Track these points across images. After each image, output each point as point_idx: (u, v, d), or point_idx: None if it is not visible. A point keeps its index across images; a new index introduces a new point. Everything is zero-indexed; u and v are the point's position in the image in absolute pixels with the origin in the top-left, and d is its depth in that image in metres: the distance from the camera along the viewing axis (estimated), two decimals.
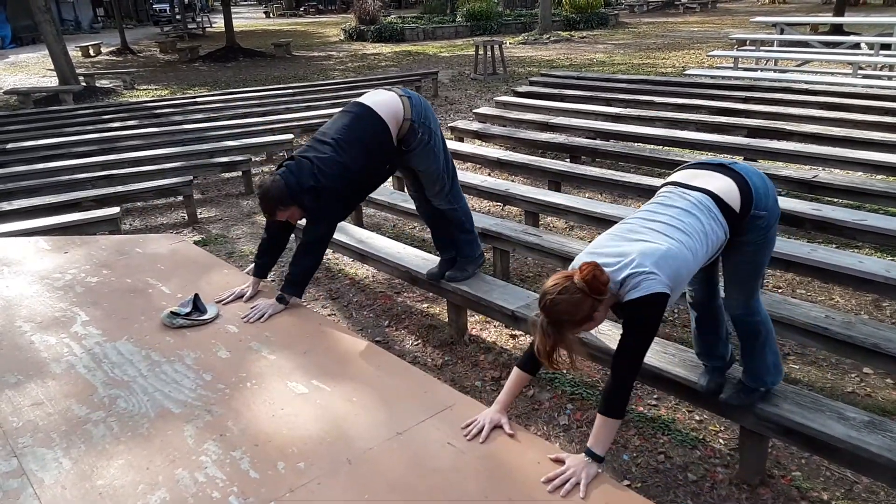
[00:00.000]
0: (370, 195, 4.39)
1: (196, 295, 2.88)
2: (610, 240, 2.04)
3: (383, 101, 3.02)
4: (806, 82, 8.59)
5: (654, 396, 3.14)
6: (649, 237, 1.97)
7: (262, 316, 2.82)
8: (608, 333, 2.79)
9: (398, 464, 1.94)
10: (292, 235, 3.38)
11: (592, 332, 2.79)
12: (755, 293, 2.29)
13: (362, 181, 3.02)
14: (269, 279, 3.46)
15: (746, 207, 2.07)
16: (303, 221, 3.04)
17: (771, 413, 2.34)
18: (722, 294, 2.37)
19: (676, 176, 2.23)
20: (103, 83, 14.07)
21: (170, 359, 2.53)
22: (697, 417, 3.00)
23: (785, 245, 3.68)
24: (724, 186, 2.09)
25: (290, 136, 7.43)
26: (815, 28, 15.10)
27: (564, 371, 1.94)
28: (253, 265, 3.10)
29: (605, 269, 1.89)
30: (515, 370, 2.16)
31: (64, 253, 3.62)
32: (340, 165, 2.87)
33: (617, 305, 1.97)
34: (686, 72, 10.72)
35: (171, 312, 2.80)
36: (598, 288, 1.84)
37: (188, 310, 2.81)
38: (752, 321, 2.33)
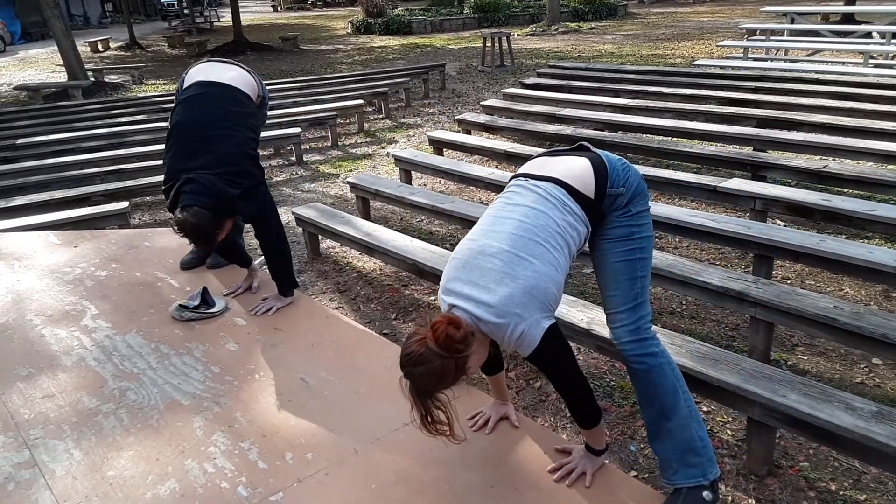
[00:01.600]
0: (378, 189, 4.40)
1: (204, 288, 2.90)
2: (465, 272, 1.77)
3: (238, 77, 2.93)
4: (816, 72, 8.52)
5: None
6: (501, 266, 1.72)
7: (271, 309, 2.84)
8: None
9: (405, 454, 1.95)
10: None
11: (594, 327, 2.79)
12: (642, 310, 1.93)
13: (257, 148, 2.93)
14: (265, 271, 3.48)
15: (602, 189, 1.84)
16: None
17: (779, 404, 2.34)
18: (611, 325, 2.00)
19: (528, 166, 1.99)
20: (112, 78, 14.12)
21: (179, 351, 2.55)
22: (705, 408, 3.00)
23: (794, 235, 3.66)
24: (576, 169, 1.87)
25: (298, 129, 7.44)
26: (825, 17, 14.95)
27: (448, 437, 1.73)
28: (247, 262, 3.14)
29: (470, 315, 1.70)
30: (487, 377, 2.16)
31: (74, 247, 3.65)
32: (238, 154, 2.71)
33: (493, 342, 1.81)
34: (695, 62, 10.64)
35: (180, 305, 2.83)
36: (456, 348, 1.63)
37: (197, 303, 2.83)
38: (649, 359, 1.91)
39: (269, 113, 8.30)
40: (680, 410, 1.91)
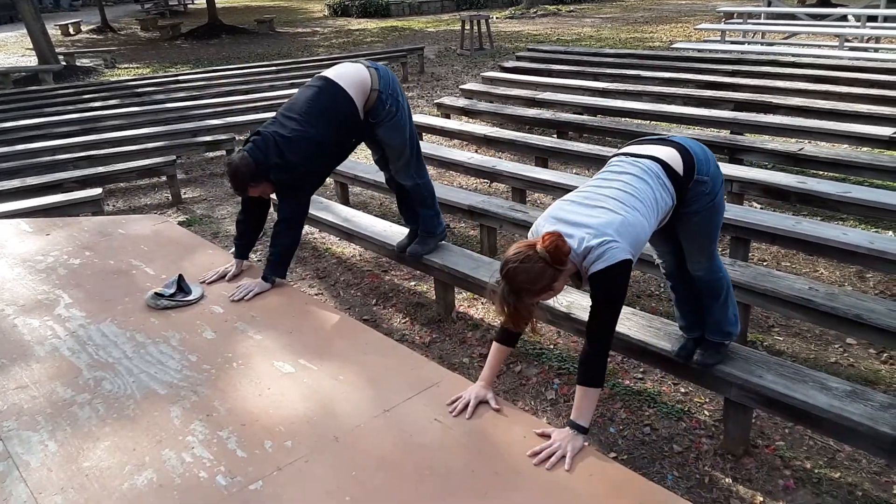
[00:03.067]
0: (357, 174, 4.36)
1: (180, 276, 2.86)
2: (570, 206, 2.04)
3: (348, 73, 2.99)
4: (792, 55, 8.57)
5: (640, 370, 3.17)
6: (608, 205, 1.99)
7: (248, 294, 2.81)
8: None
9: (385, 441, 1.95)
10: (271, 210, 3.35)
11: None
12: (714, 255, 2.37)
13: (329, 155, 3.01)
14: (255, 259, 3.44)
15: (689, 173, 2.13)
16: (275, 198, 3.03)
17: (755, 384, 2.37)
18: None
19: (625, 149, 2.29)
20: (84, 62, 13.84)
21: (155, 340, 2.52)
22: (683, 390, 3.03)
23: (770, 218, 3.69)
24: (668, 154, 2.15)
25: (274, 113, 7.35)
26: (802, 0, 15.04)
27: (529, 334, 1.98)
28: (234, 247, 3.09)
29: (567, 239, 1.90)
30: (495, 344, 2.17)
31: (46, 235, 3.58)
32: (306, 140, 2.86)
33: (577, 275, 1.98)
34: (673, 45, 10.67)
35: (156, 293, 2.78)
36: (560, 258, 1.85)
37: (172, 291, 2.79)
38: (715, 279, 2.41)
39: (244, 97, 8.26)
40: (726, 300, 2.46)
